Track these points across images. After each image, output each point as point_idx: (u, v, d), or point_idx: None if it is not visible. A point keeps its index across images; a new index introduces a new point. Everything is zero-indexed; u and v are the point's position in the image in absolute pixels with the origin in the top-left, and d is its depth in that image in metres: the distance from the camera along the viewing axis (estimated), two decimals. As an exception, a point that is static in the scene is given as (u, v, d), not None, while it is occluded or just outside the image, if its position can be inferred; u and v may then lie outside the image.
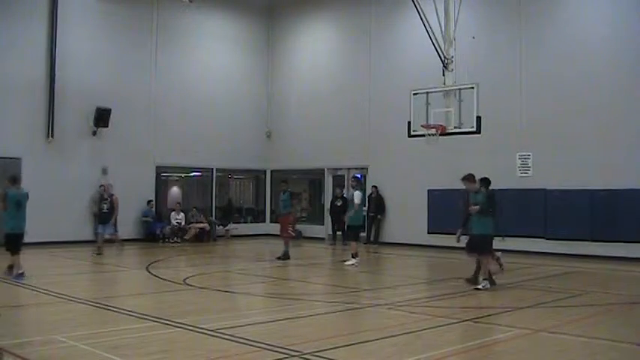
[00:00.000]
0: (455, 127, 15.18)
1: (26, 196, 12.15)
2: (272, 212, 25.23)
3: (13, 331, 7.89)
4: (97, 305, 9.46)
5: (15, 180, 12.26)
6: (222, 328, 7.71)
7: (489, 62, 18.87)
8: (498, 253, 12.06)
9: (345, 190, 22.24)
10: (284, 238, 16.25)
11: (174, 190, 23.92)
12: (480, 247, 11.44)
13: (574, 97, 17.47)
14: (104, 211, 17.00)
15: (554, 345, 7.40)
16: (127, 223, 21.08)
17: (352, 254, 14.73)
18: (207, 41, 23.66)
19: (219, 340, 7.25)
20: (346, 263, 14.74)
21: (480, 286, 11.23)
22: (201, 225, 22.09)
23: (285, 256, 15.86)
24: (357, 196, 14.95)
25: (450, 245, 18.19)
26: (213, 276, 13.86)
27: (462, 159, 18.65)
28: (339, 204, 21.18)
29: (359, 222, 15.45)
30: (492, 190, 11.79)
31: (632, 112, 16.62)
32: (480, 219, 11.40)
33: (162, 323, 8.14)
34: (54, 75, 19.66)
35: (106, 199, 17.08)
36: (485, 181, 11.80)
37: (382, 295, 11.15)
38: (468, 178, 11.64)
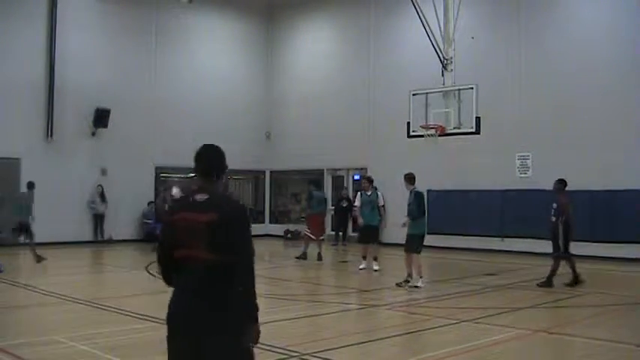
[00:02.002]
0: (454, 128, 15.18)
1: None
2: (271, 213, 25.27)
3: (13, 331, 7.89)
4: (97, 305, 9.46)
5: None
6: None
7: (489, 62, 18.86)
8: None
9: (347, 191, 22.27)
10: (309, 239, 15.99)
11: (174, 191, 23.86)
12: (408, 245, 11.76)
13: (574, 97, 17.45)
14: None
15: (554, 345, 7.41)
16: (126, 224, 21.14)
17: (374, 257, 14.20)
18: (207, 42, 23.64)
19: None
20: (375, 268, 14.01)
21: (418, 284, 11.45)
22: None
23: (304, 256, 15.72)
24: (381, 197, 14.45)
25: (450, 246, 18.30)
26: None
27: (462, 159, 18.66)
28: (344, 205, 21.15)
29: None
30: (419, 191, 12.04)
31: (632, 112, 16.60)
32: (413, 220, 11.73)
33: (162, 323, 8.08)
34: (53, 75, 19.67)
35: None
36: (562, 183, 11.89)
37: (382, 296, 11.15)
38: (406, 177, 12.21)
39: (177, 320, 3.53)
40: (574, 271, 11.66)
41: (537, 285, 11.64)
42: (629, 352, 7.12)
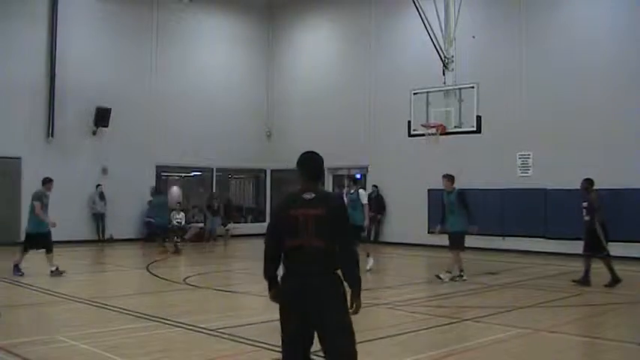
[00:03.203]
0: (455, 127, 15.20)
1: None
2: (272, 212, 25.29)
3: (13, 331, 7.89)
4: (97, 305, 9.46)
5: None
6: (222, 328, 7.71)
7: (490, 61, 18.85)
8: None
9: (344, 190, 22.25)
10: None
11: (175, 190, 23.92)
12: (455, 242, 12.15)
13: (574, 97, 17.44)
14: (215, 209, 21.50)
15: (554, 345, 7.40)
16: (127, 223, 21.13)
17: (367, 254, 13.64)
18: (207, 41, 23.65)
19: (219, 340, 7.25)
20: (369, 266, 13.57)
21: (441, 276, 11.99)
22: (201, 224, 22.06)
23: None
24: (363, 195, 13.74)
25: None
26: (214, 275, 13.85)
27: (462, 159, 18.64)
28: None
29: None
30: (462, 190, 12.40)
31: (633, 112, 16.57)
32: (454, 217, 12.07)
33: (162, 323, 8.14)
34: (54, 75, 19.67)
35: (216, 198, 22.00)
36: (589, 181, 11.97)
37: (382, 295, 11.14)
38: (447, 177, 12.31)
39: (292, 297, 4.24)
40: (587, 271, 11.66)
41: (605, 286, 11.53)
42: (630, 351, 7.12)
